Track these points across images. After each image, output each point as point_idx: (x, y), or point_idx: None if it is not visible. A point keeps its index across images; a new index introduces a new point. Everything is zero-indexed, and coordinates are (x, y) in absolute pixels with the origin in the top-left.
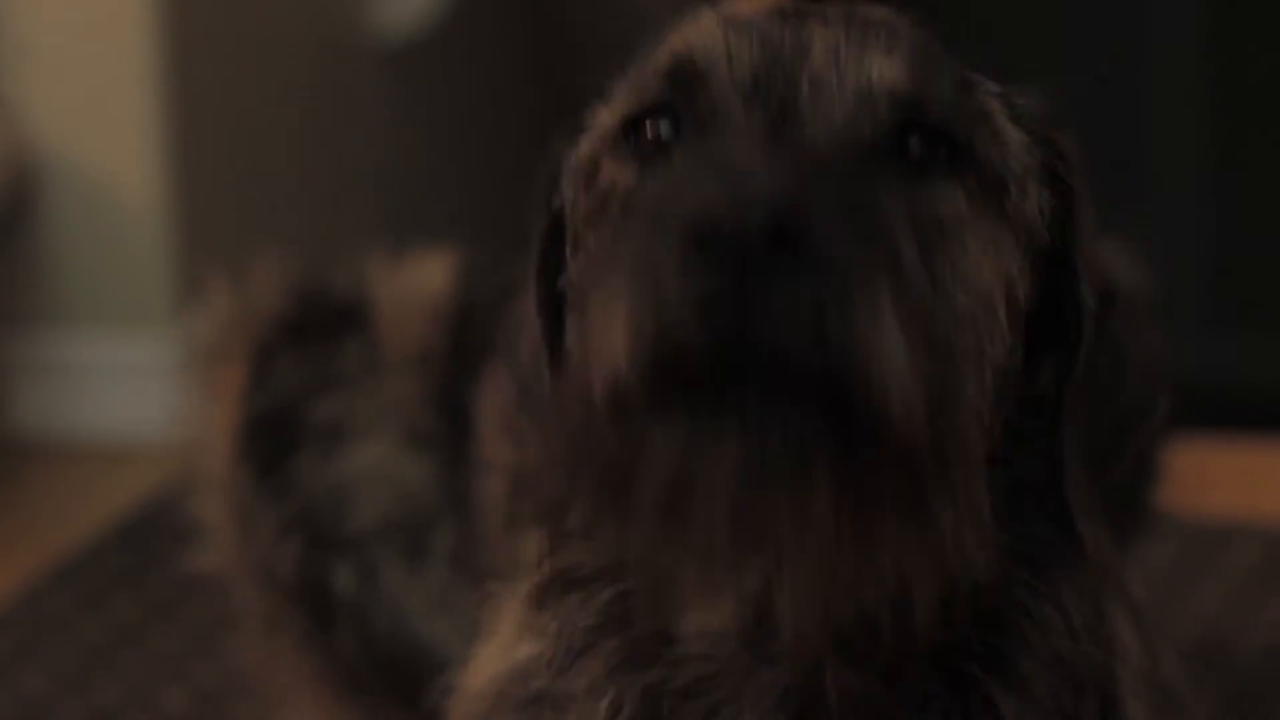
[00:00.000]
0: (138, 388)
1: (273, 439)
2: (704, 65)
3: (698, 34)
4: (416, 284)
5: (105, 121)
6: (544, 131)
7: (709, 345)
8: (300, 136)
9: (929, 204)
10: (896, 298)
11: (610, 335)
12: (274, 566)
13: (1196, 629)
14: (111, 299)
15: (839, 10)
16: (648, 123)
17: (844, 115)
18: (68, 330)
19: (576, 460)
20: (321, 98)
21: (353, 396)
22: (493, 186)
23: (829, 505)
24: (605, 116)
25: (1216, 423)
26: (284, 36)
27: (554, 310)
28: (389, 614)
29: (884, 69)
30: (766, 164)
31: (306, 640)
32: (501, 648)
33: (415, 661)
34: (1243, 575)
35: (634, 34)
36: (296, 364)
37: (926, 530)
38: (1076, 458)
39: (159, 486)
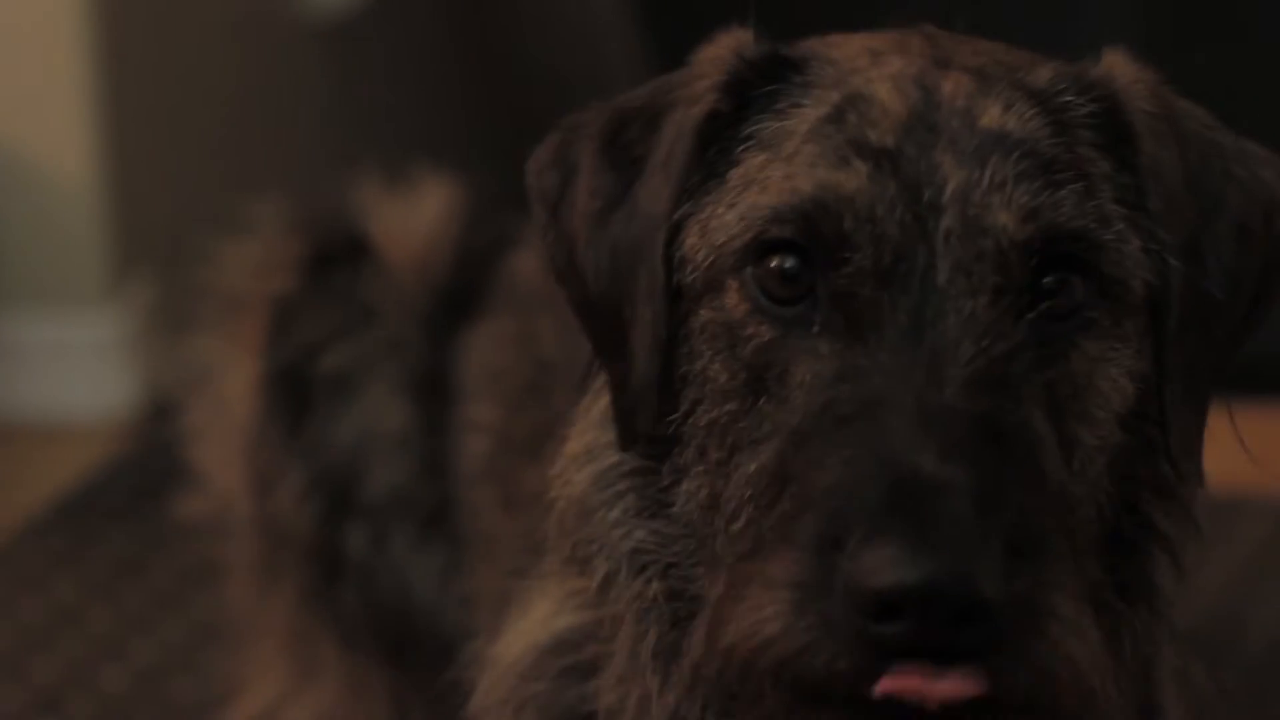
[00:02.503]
0: (74, 366)
1: (295, 393)
2: (843, 228)
3: (838, 178)
4: (416, 213)
5: (38, 104)
6: (471, 109)
7: (868, 681)
8: (231, 114)
9: (1069, 361)
10: (1069, 593)
11: (769, 628)
12: (292, 523)
13: (1210, 600)
14: (48, 278)
15: (967, 116)
16: (776, 257)
17: (984, 279)
18: (4, 309)
19: (728, 683)
20: (252, 76)
21: (359, 342)
22: (421, 162)
23: None
24: (728, 222)
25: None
26: (215, 16)
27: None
28: (394, 581)
29: (1014, 219)
30: (944, 520)
31: (309, 595)
32: (539, 620)
33: (411, 628)
34: (1254, 546)
35: (559, 12)
36: (316, 311)
37: None
38: (1181, 407)
39: (95, 466)
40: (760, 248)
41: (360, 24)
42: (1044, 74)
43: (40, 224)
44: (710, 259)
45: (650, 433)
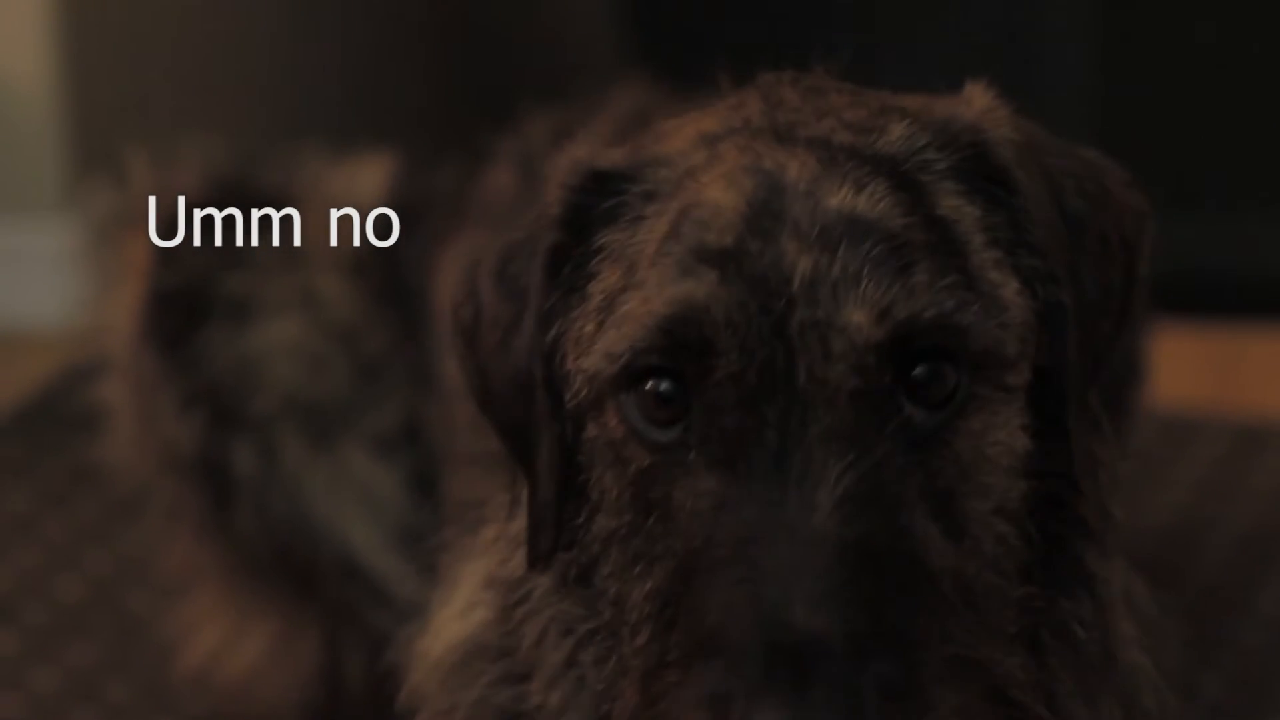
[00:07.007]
0: (28, 274)
1: (180, 313)
2: (703, 335)
3: (686, 288)
4: (351, 189)
5: None
6: (432, 29)
7: None
8: (190, 25)
9: (952, 446)
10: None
11: None
12: (175, 444)
13: (1166, 518)
14: (3, 185)
15: (810, 199)
16: (650, 380)
17: (841, 383)
18: None
19: None
20: None
21: (266, 277)
22: (380, 81)
23: None
24: (596, 351)
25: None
26: None
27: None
28: (288, 495)
29: (868, 317)
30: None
31: (205, 523)
32: (457, 612)
33: (313, 548)
34: (1210, 466)
35: None
36: (207, 242)
37: None
38: (1079, 425)
39: (51, 375)
40: (630, 376)
41: None
42: (896, 133)
43: None
44: (588, 383)
45: (552, 554)
